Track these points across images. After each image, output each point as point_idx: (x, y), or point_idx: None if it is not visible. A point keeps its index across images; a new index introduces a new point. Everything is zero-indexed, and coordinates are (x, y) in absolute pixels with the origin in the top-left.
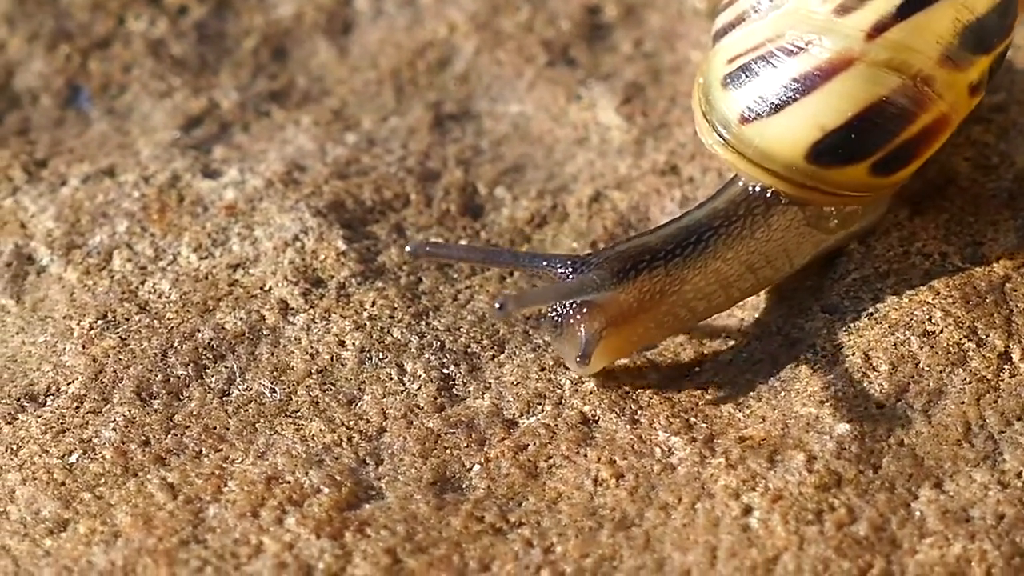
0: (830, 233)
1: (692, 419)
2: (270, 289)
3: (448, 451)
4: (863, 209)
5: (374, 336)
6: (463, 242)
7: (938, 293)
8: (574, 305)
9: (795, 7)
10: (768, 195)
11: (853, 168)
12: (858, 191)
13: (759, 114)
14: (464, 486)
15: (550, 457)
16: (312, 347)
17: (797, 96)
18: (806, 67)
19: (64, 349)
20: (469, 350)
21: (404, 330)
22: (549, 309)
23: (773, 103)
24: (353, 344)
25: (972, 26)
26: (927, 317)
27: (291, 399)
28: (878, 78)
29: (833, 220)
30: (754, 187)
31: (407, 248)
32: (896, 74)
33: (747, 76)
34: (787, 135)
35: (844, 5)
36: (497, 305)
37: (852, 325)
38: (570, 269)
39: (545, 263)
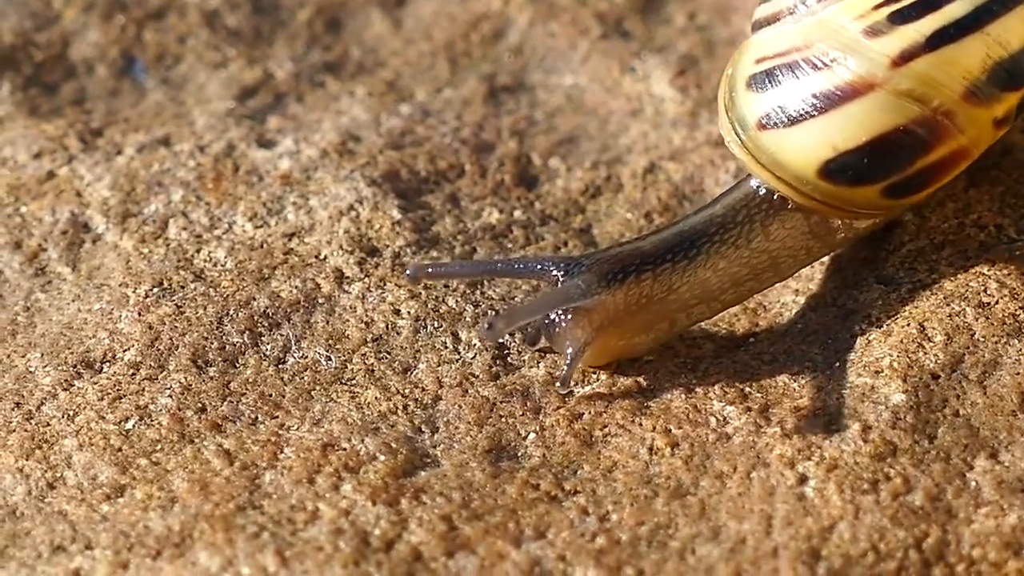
0: (829, 245)
1: (747, 389)
2: (325, 258)
3: (503, 419)
4: (873, 223)
5: (429, 305)
6: (518, 213)
7: (993, 264)
8: (560, 311)
9: (828, 18)
10: (775, 199)
11: (865, 189)
12: (870, 209)
13: (776, 124)
14: (519, 454)
15: (605, 426)
16: (367, 315)
17: (815, 113)
18: (828, 85)
19: (120, 316)
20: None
21: (459, 299)
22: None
23: (791, 115)
24: (408, 313)
25: (1004, 63)
26: (982, 288)
27: (346, 367)
28: (897, 107)
29: (840, 233)
30: (763, 189)
31: (407, 272)
32: (917, 104)
33: (771, 82)
34: (800, 149)
35: (875, 27)
36: (486, 326)
37: (907, 296)
38: (562, 272)
39: (539, 267)
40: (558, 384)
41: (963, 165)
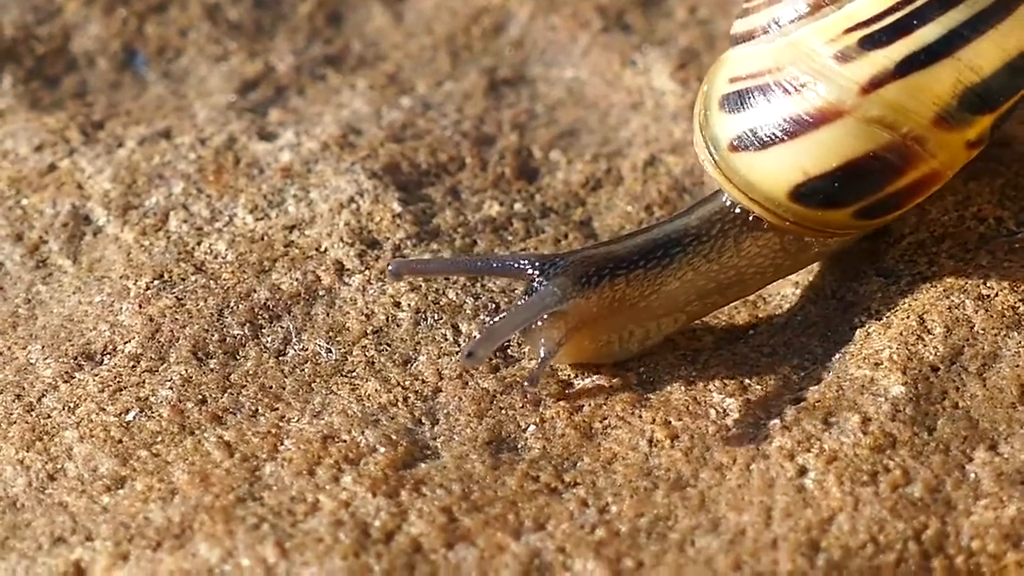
0: (801, 263)
1: (747, 381)
2: (326, 250)
3: (503, 411)
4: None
5: (429, 297)
6: (518, 205)
7: (993, 256)
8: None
9: (800, 40)
10: (750, 218)
11: (836, 212)
12: (843, 229)
13: (748, 146)
14: (519, 446)
15: (605, 418)
16: (368, 308)
17: (784, 137)
18: (797, 110)
19: (121, 309)
20: None
21: (459, 291)
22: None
23: (761, 139)
24: (408, 305)
25: (975, 87)
26: (982, 281)
27: (347, 359)
28: (867, 134)
29: (813, 249)
30: (736, 207)
31: (389, 268)
32: (886, 131)
33: (743, 104)
34: (771, 173)
35: (845, 52)
36: (467, 354)
37: (907, 289)
38: (538, 271)
39: (515, 266)
40: (526, 383)
41: (937, 186)
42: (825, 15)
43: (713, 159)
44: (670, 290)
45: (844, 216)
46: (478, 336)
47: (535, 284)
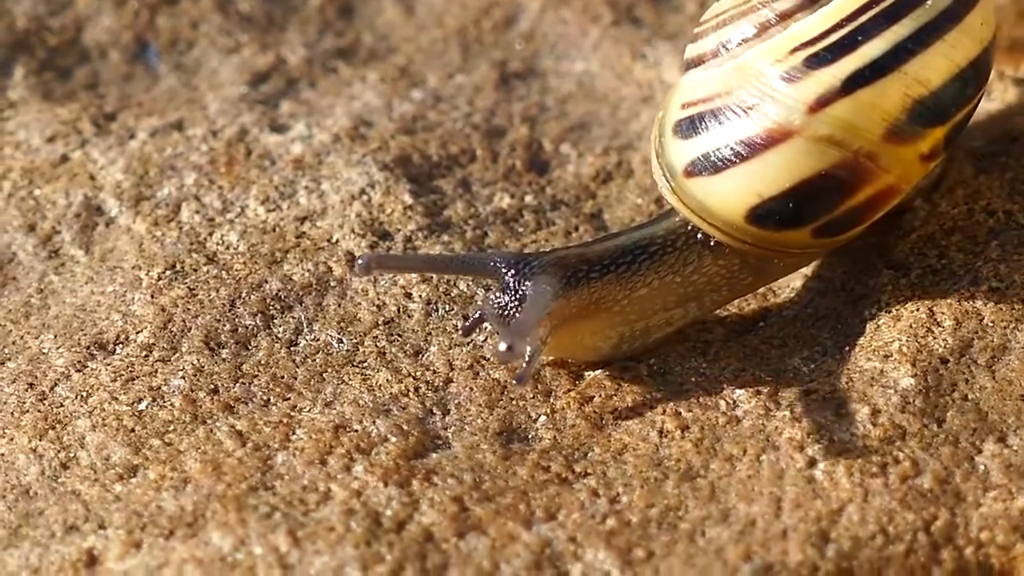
0: (763, 281)
1: (757, 372)
2: (337, 241)
3: (514, 402)
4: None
5: (440, 288)
6: (529, 198)
7: (1003, 250)
8: (516, 301)
9: (748, 62)
10: (712, 244)
11: (794, 232)
12: (804, 248)
13: (701, 171)
14: (530, 436)
15: (615, 409)
16: (379, 299)
17: (736, 161)
18: (748, 133)
19: (133, 299)
20: None
21: (470, 283)
22: (492, 304)
23: (714, 163)
24: (419, 296)
25: (925, 101)
26: (992, 274)
27: (358, 349)
28: (817, 153)
29: (777, 266)
30: (698, 232)
31: (358, 262)
32: (837, 149)
33: (695, 130)
34: (726, 197)
35: (791, 73)
36: (504, 348)
37: (916, 281)
38: (512, 271)
39: (490, 264)
40: (515, 382)
41: (895, 200)
42: (771, 36)
43: (670, 185)
44: (641, 296)
45: (803, 236)
46: (504, 336)
47: (511, 281)
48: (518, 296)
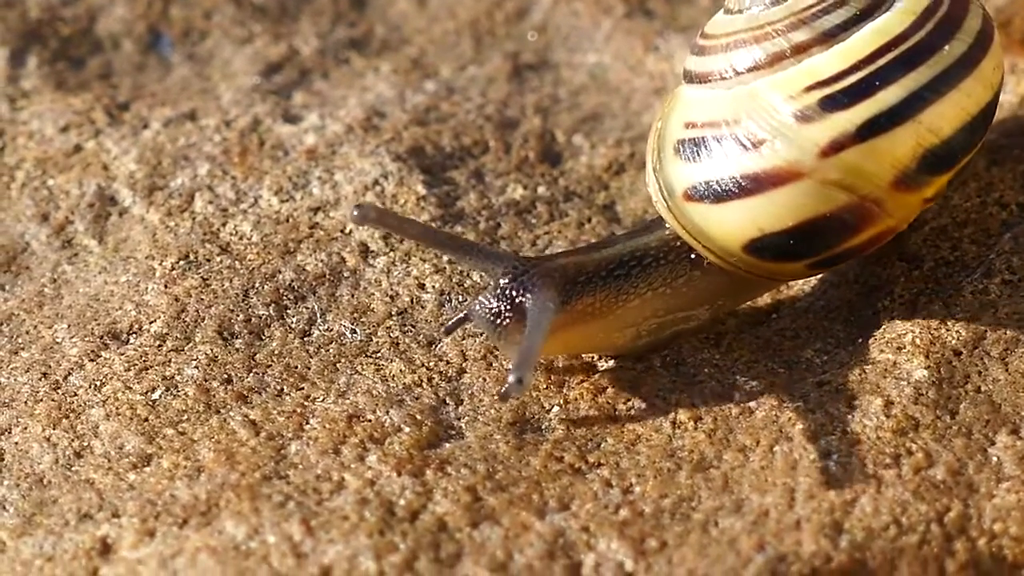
0: (746, 299)
1: (770, 364)
2: (350, 232)
3: (527, 392)
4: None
5: (453, 279)
6: (541, 189)
7: (1016, 242)
8: (510, 310)
9: (759, 92)
10: (705, 264)
11: (790, 264)
12: (795, 278)
13: (702, 198)
14: (543, 427)
15: (628, 399)
16: (392, 289)
17: (741, 194)
18: (755, 167)
19: (146, 289)
20: None
21: (483, 274)
22: (483, 309)
23: (717, 192)
24: (433, 287)
25: (935, 150)
26: (1005, 266)
27: (371, 340)
28: (825, 195)
29: (760, 288)
30: (691, 252)
31: (359, 210)
32: (845, 193)
33: (698, 154)
34: (726, 226)
35: (805, 113)
36: (516, 381)
37: (930, 273)
38: (509, 276)
39: (488, 259)
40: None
41: (891, 237)
42: (784, 68)
43: (666, 203)
44: (632, 305)
45: (798, 268)
46: (514, 372)
47: (505, 288)
48: (513, 307)
